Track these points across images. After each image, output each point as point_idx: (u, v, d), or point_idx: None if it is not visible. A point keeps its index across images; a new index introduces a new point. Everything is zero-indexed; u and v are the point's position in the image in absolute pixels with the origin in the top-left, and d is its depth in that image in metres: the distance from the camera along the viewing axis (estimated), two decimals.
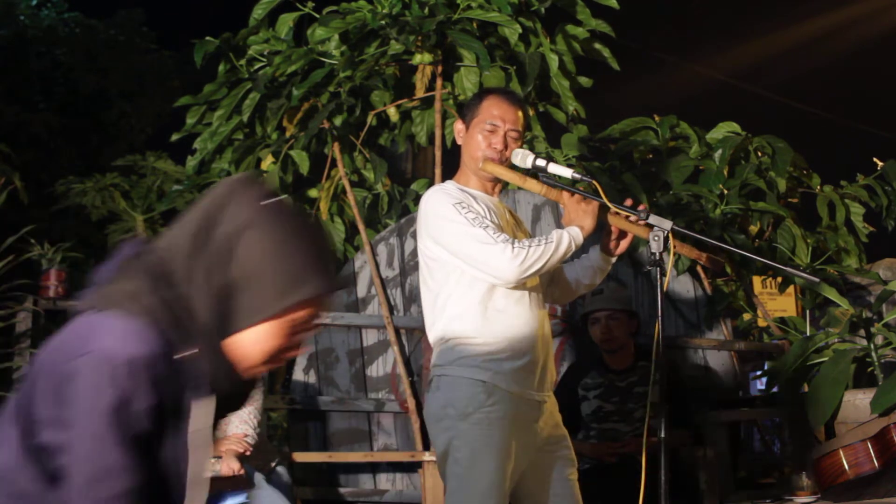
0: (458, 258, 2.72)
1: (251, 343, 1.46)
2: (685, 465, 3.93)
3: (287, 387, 5.39)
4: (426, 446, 4.33)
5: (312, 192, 5.08)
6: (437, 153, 4.82)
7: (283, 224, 1.46)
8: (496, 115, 2.86)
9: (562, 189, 2.85)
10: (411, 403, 4.52)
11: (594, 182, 2.80)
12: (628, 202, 2.80)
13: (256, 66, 5.07)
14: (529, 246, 2.66)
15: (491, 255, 2.65)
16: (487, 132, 2.86)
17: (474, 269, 2.70)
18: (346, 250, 4.96)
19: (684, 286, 5.00)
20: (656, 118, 5.36)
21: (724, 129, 5.28)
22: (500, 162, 2.84)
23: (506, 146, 2.85)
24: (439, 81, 4.89)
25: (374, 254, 4.74)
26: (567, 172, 2.81)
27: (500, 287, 2.72)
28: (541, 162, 2.81)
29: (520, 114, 2.89)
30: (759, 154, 5.25)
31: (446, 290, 2.76)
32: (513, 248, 2.64)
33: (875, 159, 5.55)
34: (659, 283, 2.61)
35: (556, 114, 5.20)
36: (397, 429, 4.60)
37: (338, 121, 4.91)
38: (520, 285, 2.74)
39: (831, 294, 4.25)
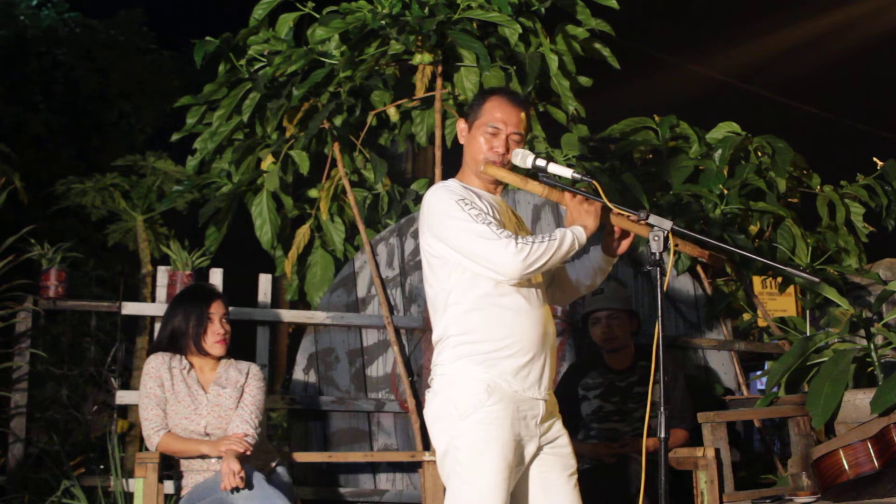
0: (461, 255, 2.72)
1: None
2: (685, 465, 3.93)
3: (287, 387, 5.40)
4: (426, 446, 4.33)
5: (312, 192, 5.09)
6: (437, 153, 4.82)
7: None
8: (498, 118, 2.86)
9: (562, 190, 2.84)
10: (411, 403, 4.52)
11: (594, 182, 2.79)
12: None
13: (256, 66, 5.07)
14: (533, 242, 2.66)
15: (494, 250, 2.65)
16: (489, 135, 2.85)
17: (477, 266, 2.70)
18: (346, 250, 4.96)
19: (684, 286, 5.00)
20: (656, 118, 5.37)
21: (724, 129, 5.29)
22: (501, 165, 2.84)
23: (507, 149, 2.85)
24: (439, 81, 4.89)
25: (374, 254, 4.74)
26: (567, 172, 2.81)
27: (502, 284, 2.72)
28: (541, 162, 2.81)
29: (522, 115, 2.89)
30: (759, 154, 5.25)
31: (448, 288, 2.76)
32: (516, 243, 2.64)
33: (875, 159, 5.55)
34: (659, 283, 2.61)
35: (556, 114, 5.20)
36: (397, 429, 4.61)
37: (338, 121, 4.91)
38: (523, 283, 2.74)
39: (831, 294, 4.25)
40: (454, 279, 2.74)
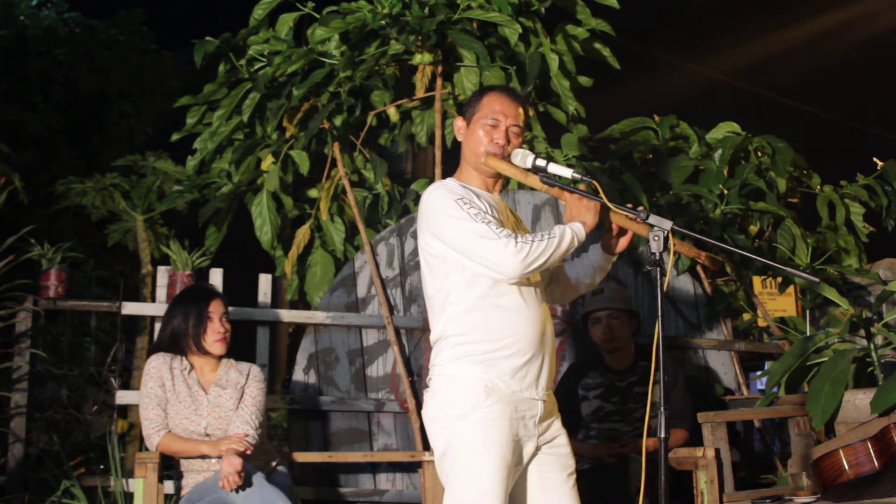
0: (460, 254, 2.71)
1: None
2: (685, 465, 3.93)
3: (287, 387, 5.39)
4: (426, 446, 4.33)
5: (312, 192, 5.09)
6: (437, 153, 4.82)
7: None
8: (498, 111, 2.85)
9: (562, 188, 2.84)
10: (411, 403, 4.52)
11: (594, 182, 2.79)
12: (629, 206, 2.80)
13: (256, 66, 5.07)
14: (532, 241, 2.66)
15: (493, 250, 2.64)
16: (489, 127, 2.85)
17: (477, 265, 2.69)
18: (346, 250, 4.96)
19: (684, 286, 5.00)
20: (656, 118, 5.36)
21: (724, 129, 5.28)
22: (502, 157, 2.84)
23: (508, 141, 2.85)
24: (439, 81, 4.89)
25: (374, 254, 4.74)
26: (567, 172, 2.81)
27: (501, 284, 2.71)
28: (541, 162, 2.81)
29: (520, 110, 2.89)
30: (759, 154, 5.25)
31: (446, 288, 2.75)
32: (516, 242, 2.64)
33: (875, 159, 5.55)
34: (659, 283, 2.61)
35: (556, 114, 5.20)
36: (397, 429, 4.61)
37: (338, 121, 4.91)
38: (521, 282, 2.73)
39: (831, 294, 4.25)
40: (453, 279, 2.74)
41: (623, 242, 2.89)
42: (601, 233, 2.92)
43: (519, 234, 2.68)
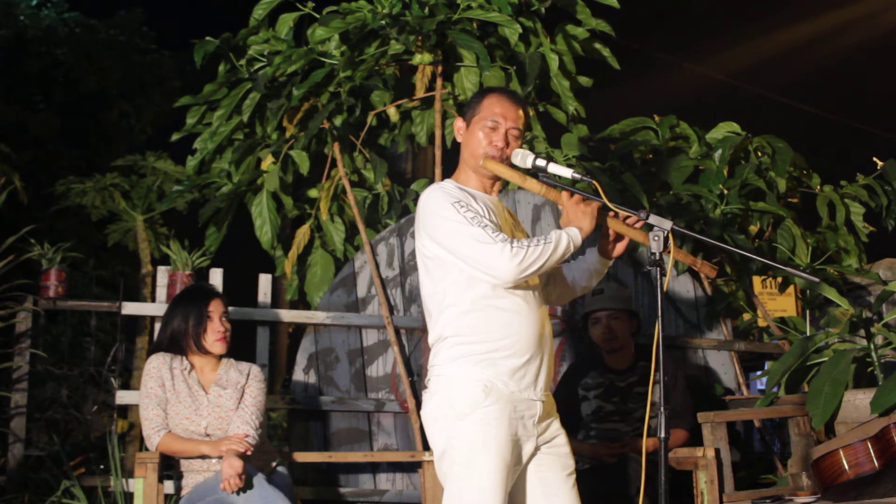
0: (456, 257, 2.71)
1: None
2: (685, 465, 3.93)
3: (287, 387, 5.40)
4: (426, 446, 4.33)
5: (312, 192, 5.09)
6: (437, 153, 4.82)
7: None
8: (498, 113, 2.86)
9: (561, 189, 2.84)
10: (411, 403, 4.52)
11: (594, 182, 2.79)
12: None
13: (256, 66, 5.07)
14: (528, 246, 2.66)
15: (489, 254, 2.65)
16: (489, 129, 2.85)
17: (472, 269, 2.70)
18: (346, 250, 4.96)
19: (684, 286, 5.00)
20: (656, 118, 5.36)
21: (724, 129, 5.28)
22: (500, 160, 2.84)
23: (507, 144, 2.85)
24: (439, 81, 4.89)
25: (374, 254, 4.74)
26: (567, 172, 2.81)
27: (499, 286, 2.71)
28: (541, 162, 2.81)
29: (521, 112, 2.89)
30: (759, 154, 5.25)
31: (443, 289, 2.76)
32: (511, 247, 2.64)
33: (875, 159, 5.54)
34: (659, 283, 2.61)
35: (556, 114, 5.20)
36: (397, 429, 4.61)
37: (338, 121, 4.91)
38: (520, 284, 2.73)
39: (831, 294, 4.25)
40: (450, 280, 2.74)
41: (620, 247, 2.89)
42: (598, 236, 2.92)
43: (515, 239, 2.69)
